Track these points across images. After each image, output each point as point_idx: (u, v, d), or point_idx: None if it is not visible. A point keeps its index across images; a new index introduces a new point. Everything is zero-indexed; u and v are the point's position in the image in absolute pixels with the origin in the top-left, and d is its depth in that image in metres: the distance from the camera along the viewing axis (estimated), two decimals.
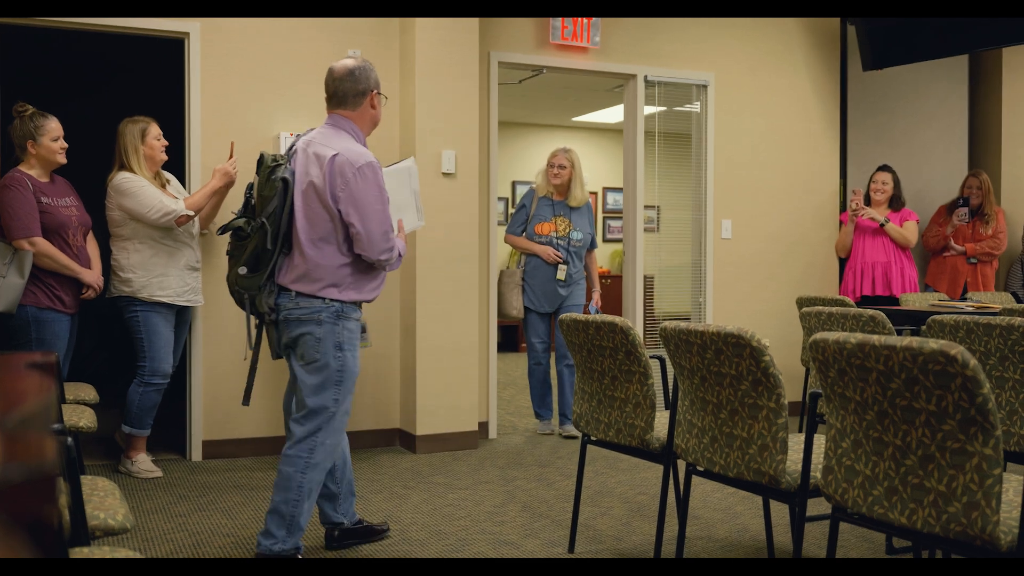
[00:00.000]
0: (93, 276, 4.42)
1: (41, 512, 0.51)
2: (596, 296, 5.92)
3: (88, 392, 4.02)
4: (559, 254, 5.61)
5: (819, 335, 2.30)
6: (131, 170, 4.46)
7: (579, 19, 5.77)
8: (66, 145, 4.37)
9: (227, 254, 3.27)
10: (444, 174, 5.20)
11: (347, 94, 3.23)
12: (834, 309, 4.27)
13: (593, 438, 3.39)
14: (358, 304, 3.24)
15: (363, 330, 3.40)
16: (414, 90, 5.16)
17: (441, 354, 5.23)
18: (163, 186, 4.59)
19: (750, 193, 6.45)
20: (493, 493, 4.34)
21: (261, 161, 3.18)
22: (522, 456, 5.15)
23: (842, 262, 6.57)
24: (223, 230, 3.28)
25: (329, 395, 3.15)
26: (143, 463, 4.63)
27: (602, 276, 11.55)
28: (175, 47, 5.08)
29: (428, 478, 4.62)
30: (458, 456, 5.12)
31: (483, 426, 5.60)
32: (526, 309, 5.65)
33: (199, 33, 4.93)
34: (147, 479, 4.56)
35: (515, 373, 8.90)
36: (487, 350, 5.65)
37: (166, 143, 4.60)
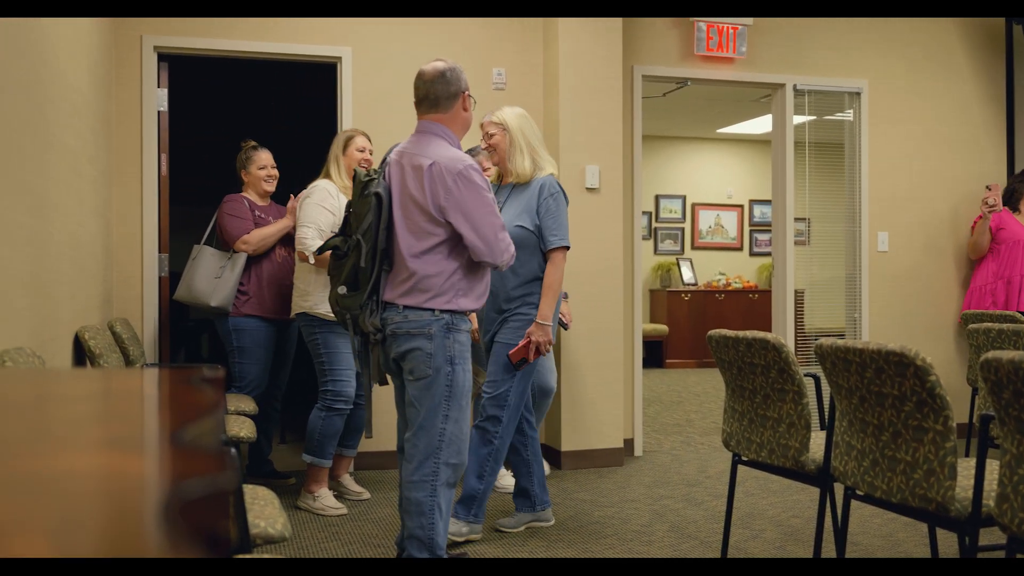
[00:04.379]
0: (290, 217, 4.57)
1: (217, 526, 0.51)
2: (531, 329, 3.66)
3: (247, 404, 4.20)
4: None
5: (992, 354, 2.16)
6: (329, 178, 4.37)
7: (724, 29, 5.67)
8: (274, 173, 4.71)
9: (328, 274, 3.17)
10: (588, 189, 5.19)
11: (439, 97, 3.06)
12: (1004, 325, 4.02)
13: (744, 458, 3.29)
14: (466, 314, 3.08)
15: None
16: (557, 106, 5.18)
17: (585, 370, 5.21)
18: None
19: (908, 203, 6.17)
20: (640, 512, 4.28)
21: (355, 177, 3.10)
22: (669, 474, 5.07)
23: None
24: (321, 250, 3.25)
25: (441, 411, 2.99)
26: (326, 499, 4.26)
27: (749, 291, 11.22)
28: (326, 71, 5.28)
29: (573, 494, 4.59)
30: (603, 473, 5.08)
31: (628, 443, 5.54)
32: None
33: (351, 56, 5.10)
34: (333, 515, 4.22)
35: (660, 389, 8.79)
36: (632, 366, 5.59)
37: (369, 159, 4.44)
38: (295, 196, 4.54)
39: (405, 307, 3.00)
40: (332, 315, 4.00)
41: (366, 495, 4.50)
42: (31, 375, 1.22)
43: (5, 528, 0.37)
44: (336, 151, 4.39)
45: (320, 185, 4.30)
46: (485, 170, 4.28)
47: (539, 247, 3.74)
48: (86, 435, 0.72)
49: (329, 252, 3.22)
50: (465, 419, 3.07)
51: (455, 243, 3.00)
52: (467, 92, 3.12)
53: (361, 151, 4.39)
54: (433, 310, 2.98)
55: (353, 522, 4.10)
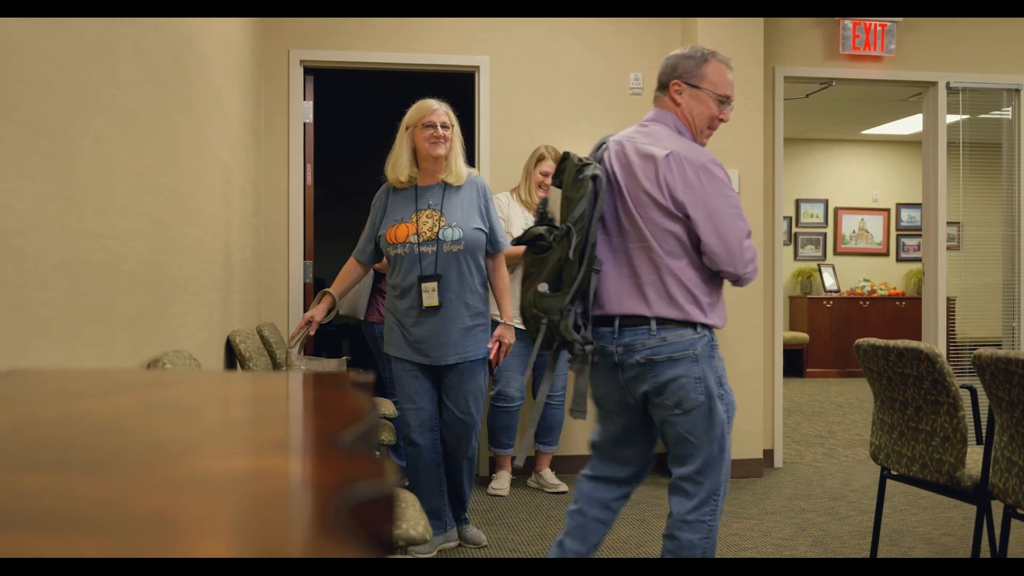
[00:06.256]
0: None
1: (383, 529, 0.52)
2: (501, 332, 3.52)
3: (387, 407, 4.30)
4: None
5: None
6: (511, 191, 4.77)
7: (872, 27, 5.46)
8: None
9: (525, 271, 2.63)
10: None
11: (662, 82, 2.78)
12: None
13: (894, 472, 3.16)
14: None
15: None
16: None
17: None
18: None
19: None
20: (780, 525, 4.15)
21: (565, 158, 2.62)
22: (811, 487, 4.91)
23: None
24: (517, 241, 2.65)
25: (717, 441, 2.61)
26: (501, 480, 4.79)
27: (895, 298, 10.78)
28: (459, 80, 5.36)
29: None
30: (742, 484, 4.96)
31: (768, 454, 5.40)
32: (393, 359, 3.59)
33: (488, 65, 5.16)
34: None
35: (800, 399, 8.54)
36: (772, 374, 5.45)
37: (547, 181, 4.63)
38: None
39: (659, 326, 2.57)
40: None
41: (563, 487, 4.75)
42: (190, 377, 1.28)
43: (189, 528, 0.38)
44: (528, 167, 4.74)
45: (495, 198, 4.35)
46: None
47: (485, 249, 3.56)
48: (248, 437, 0.73)
49: (523, 248, 2.65)
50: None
51: (697, 244, 2.59)
52: (680, 80, 2.74)
53: (545, 174, 4.68)
54: (695, 325, 2.59)
55: (487, 527, 4.12)
